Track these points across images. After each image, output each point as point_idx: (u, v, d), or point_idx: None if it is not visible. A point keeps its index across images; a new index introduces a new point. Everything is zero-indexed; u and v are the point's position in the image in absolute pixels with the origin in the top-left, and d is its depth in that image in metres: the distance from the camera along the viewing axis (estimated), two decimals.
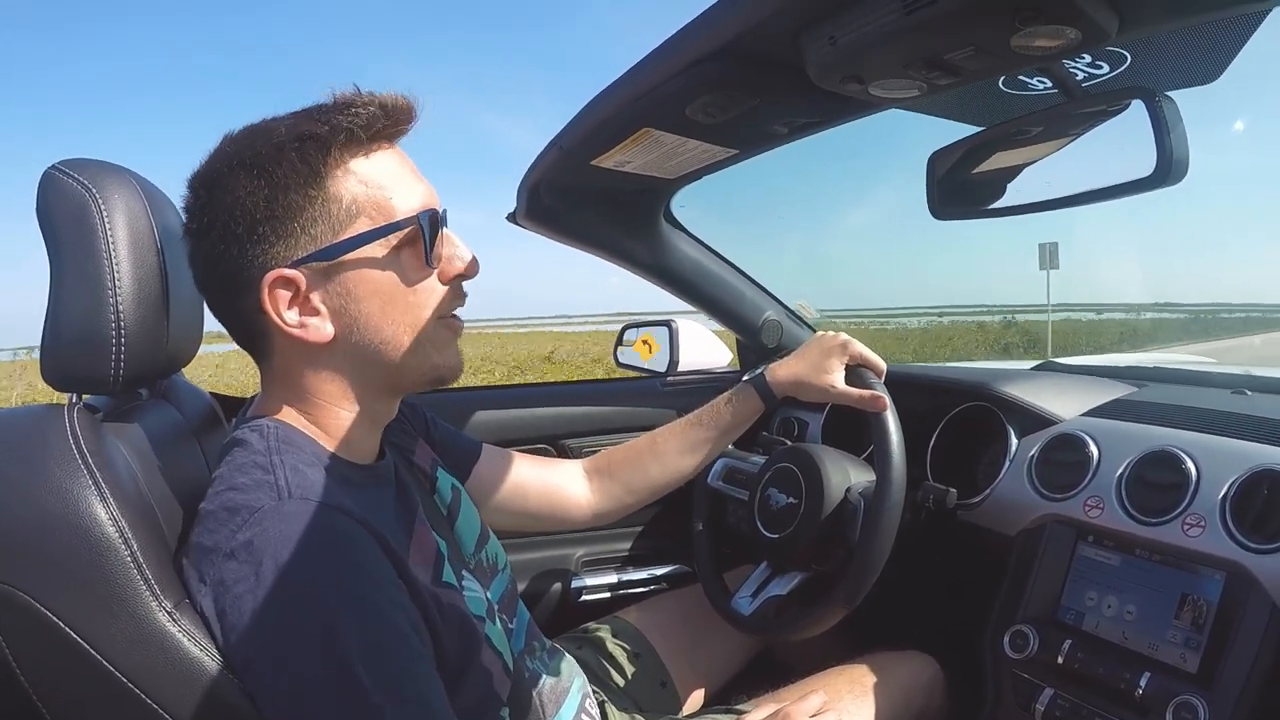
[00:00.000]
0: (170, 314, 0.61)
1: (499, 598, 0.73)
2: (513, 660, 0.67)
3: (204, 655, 0.50)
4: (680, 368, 1.46)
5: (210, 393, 0.89)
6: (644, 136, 0.84)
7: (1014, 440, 0.98)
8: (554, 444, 1.35)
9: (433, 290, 0.60)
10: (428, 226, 0.58)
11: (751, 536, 0.99)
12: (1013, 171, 0.77)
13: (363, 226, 0.56)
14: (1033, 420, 0.98)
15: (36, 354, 0.58)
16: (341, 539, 0.52)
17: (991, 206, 0.78)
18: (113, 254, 0.56)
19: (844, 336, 0.92)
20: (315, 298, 0.56)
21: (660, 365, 1.48)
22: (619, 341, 1.64)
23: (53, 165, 0.57)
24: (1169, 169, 0.60)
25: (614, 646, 0.99)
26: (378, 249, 0.57)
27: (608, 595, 1.33)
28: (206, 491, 0.56)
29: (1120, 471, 0.83)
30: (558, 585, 1.32)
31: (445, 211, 0.62)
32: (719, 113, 0.76)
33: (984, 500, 0.96)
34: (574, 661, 0.85)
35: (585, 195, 1.12)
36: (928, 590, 1.08)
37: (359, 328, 0.58)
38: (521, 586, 1.30)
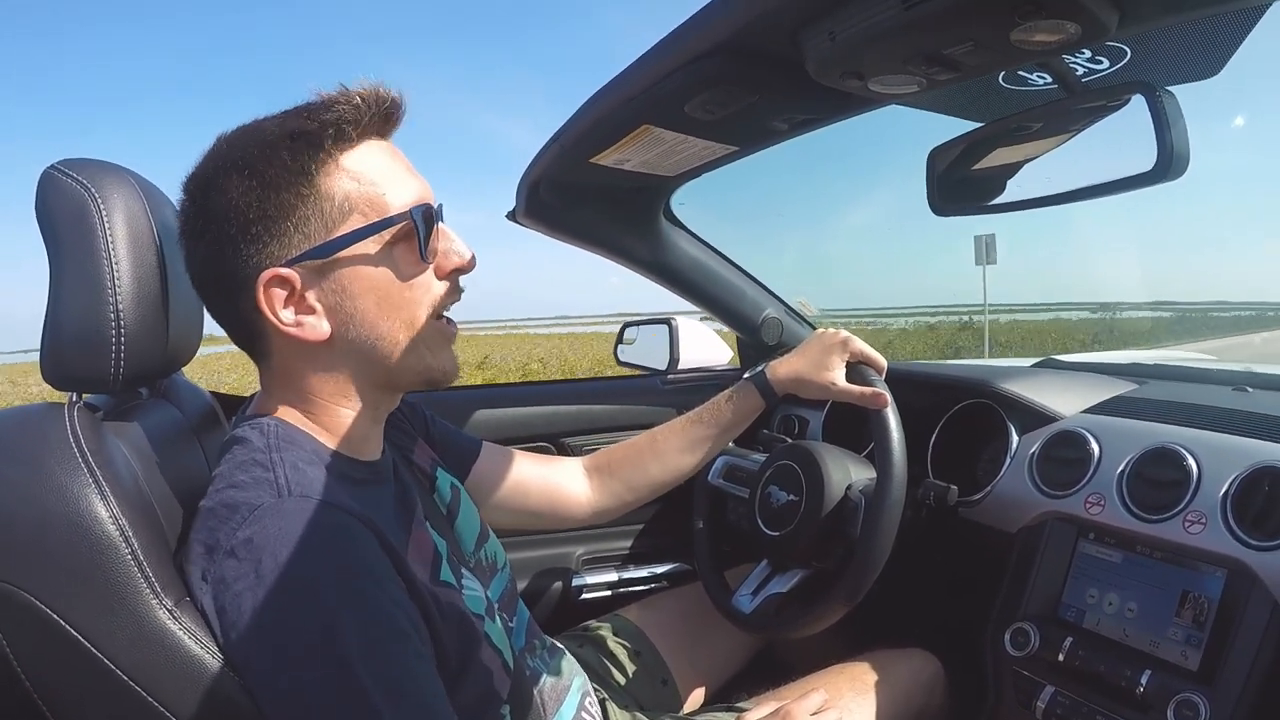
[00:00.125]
0: (170, 313, 0.61)
1: (498, 596, 0.73)
2: (513, 658, 0.66)
3: (204, 653, 0.50)
4: (680, 366, 1.46)
5: (210, 391, 0.89)
6: (643, 134, 0.84)
7: (1015, 437, 0.98)
8: (554, 442, 1.35)
9: (429, 286, 0.60)
10: (421, 221, 0.58)
11: (752, 534, 0.99)
12: (1013, 167, 0.77)
13: (356, 223, 0.56)
14: (1034, 417, 0.98)
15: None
16: (341, 536, 0.52)
17: (992, 202, 0.78)
18: (112, 253, 0.56)
19: (845, 334, 0.91)
20: (310, 296, 0.56)
21: (660, 363, 1.48)
22: (619, 340, 1.64)
23: (52, 165, 0.57)
24: (1169, 164, 0.60)
25: (614, 645, 0.99)
26: (371, 245, 0.57)
27: (608, 593, 1.33)
28: (207, 490, 0.56)
29: (1121, 468, 0.83)
30: (558, 583, 1.32)
31: (441, 206, 0.62)
32: (718, 109, 0.76)
33: (985, 497, 0.96)
34: (574, 660, 0.85)
35: (585, 193, 1.12)
36: (928, 588, 1.08)
37: (355, 324, 0.58)
38: (522, 584, 1.30)
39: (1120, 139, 0.63)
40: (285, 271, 0.55)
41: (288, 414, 0.60)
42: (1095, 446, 0.87)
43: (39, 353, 0.56)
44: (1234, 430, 0.81)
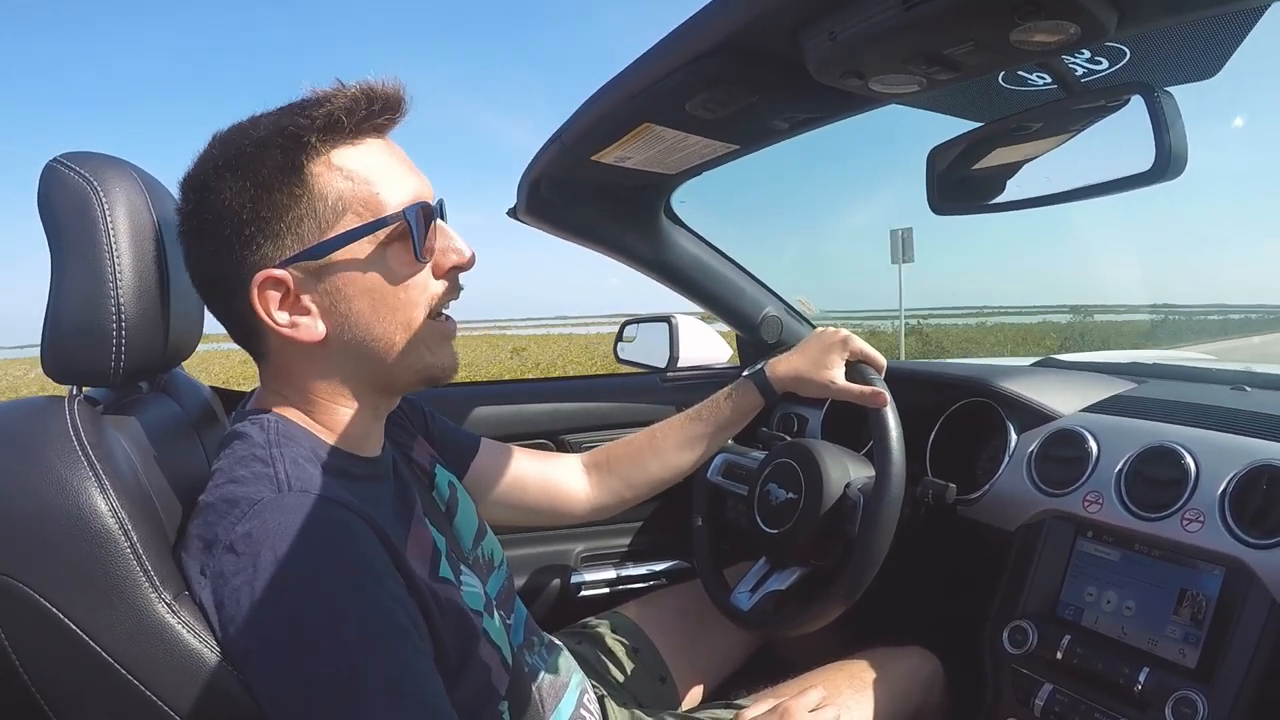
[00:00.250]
0: (171, 307, 0.61)
1: (496, 593, 0.73)
2: (511, 655, 0.66)
3: (203, 647, 0.50)
4: (680, 364, 1.46)
5: (210, 387, 0.89)
6: (644, 132, 0.84)
7: (1013, 436, 0.98)
8: (554, 439, 1.35)
9: (425, 286, 0.59)
10: (415, 221, 0.57)
11: (751, 532, 0.99)
12: (1013, 167, 0.77)
13: (350, 223, 0.55)
14: (1032, 416, 0.98)
15: None
16: (341, 532, 0.52)
17: (991, 202, 0.78)
18: (114, 247, 0.56)
19: (844, 332, 0.91)
20: (305, 297, 0.56)
21: (660, 361, 1.48)
22: (619, 338, 1.64)
23: (54, 158, 0.57)
24: (1168, 164, 0.60)
25: (613, 642, 1.00)
26: (365, 246, 0.56)
27: (607, 591, 1.34)
28: (206, 484, 0.56)
29: (1119, 467, 0.83)
30: (557, 580, 1.32)
31: (441, 202, 0.61)
32: (719, 108, 0.76)
33: (983, 495, 0.96)
34: (573, 657, 0.85)
35: (585, 190, 1.12)
36: (927, 586, 1.08)
37: (350, 326, 0.57)
38: (521, 582, 1.30)
39: (1119, 139, 0.63)
40: (279, 273, 0.55)
41: (287, 410, 0.60)
42: (1094, 445, 0.87)
43: (39, 346, 0.57)
44: (1232, 429, 0.81)
